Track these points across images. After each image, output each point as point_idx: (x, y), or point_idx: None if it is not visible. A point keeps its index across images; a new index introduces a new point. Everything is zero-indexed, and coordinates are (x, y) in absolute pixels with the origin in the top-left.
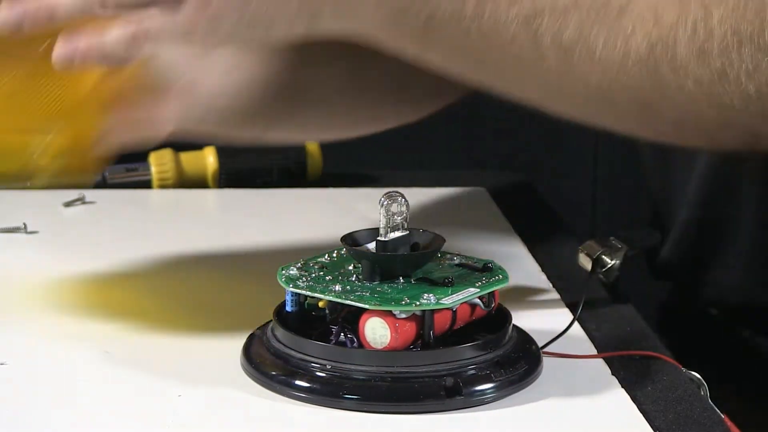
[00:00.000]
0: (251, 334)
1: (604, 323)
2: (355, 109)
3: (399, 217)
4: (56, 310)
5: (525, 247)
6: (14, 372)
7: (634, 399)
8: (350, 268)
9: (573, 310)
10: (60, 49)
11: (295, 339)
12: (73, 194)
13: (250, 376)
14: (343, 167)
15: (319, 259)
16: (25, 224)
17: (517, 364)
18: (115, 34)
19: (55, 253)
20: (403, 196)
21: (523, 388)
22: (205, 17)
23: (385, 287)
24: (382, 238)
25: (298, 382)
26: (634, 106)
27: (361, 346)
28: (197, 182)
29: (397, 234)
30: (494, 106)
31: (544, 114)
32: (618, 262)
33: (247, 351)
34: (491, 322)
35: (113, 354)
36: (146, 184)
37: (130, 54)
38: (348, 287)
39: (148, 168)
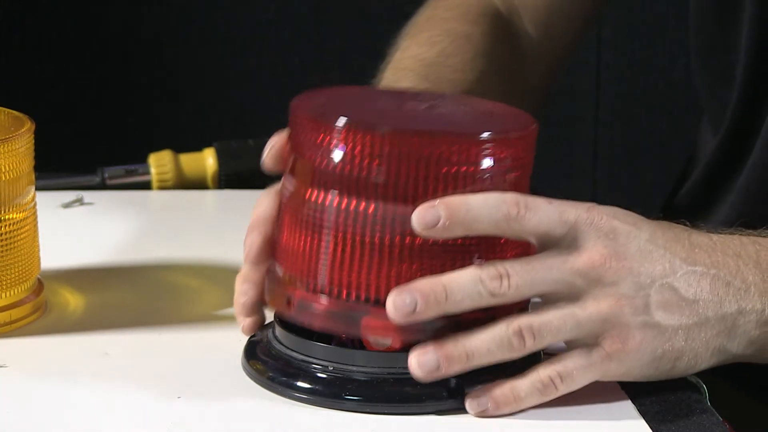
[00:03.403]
0: (252, 336)
1: None
2: None
3: None
4: (56, 311)
5: None
6: (14, 373)
7: (633, 400)
8: None
9: None
10: (473, 400)
11: (296, 340)
12: (71, 195)
13: (251, 378)
14: None
15: None
16: None
17: (519, 364)
18: (528, 381)
19: (53, 254)
20: None
21: None
22: (621, 354)
23: None
24: None
25: (299, 384)
26: None
27: (362, 347)
28: (197, 183)
29: None
30: None
31: (544, 114)
32: None
33: (249, 352)
34: None
35: (113, 354)
36: (146, 186)
37: (543, 400)
38: None
39: (147, 169)
